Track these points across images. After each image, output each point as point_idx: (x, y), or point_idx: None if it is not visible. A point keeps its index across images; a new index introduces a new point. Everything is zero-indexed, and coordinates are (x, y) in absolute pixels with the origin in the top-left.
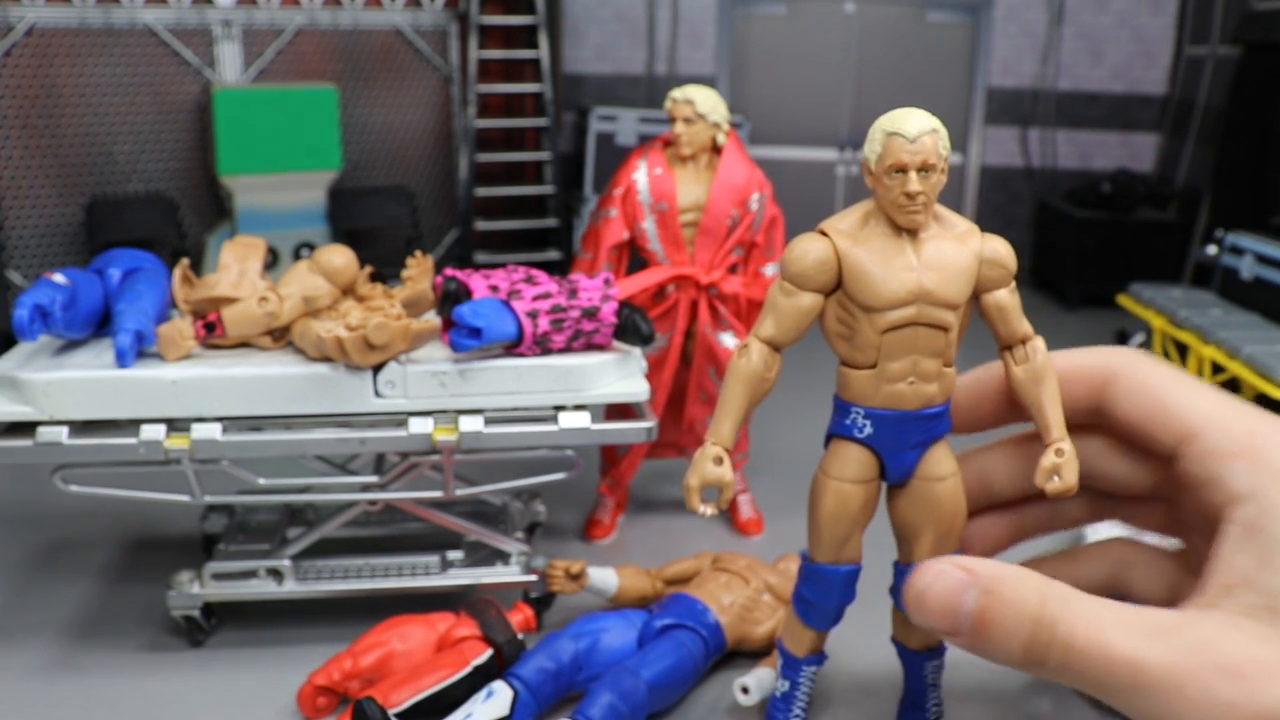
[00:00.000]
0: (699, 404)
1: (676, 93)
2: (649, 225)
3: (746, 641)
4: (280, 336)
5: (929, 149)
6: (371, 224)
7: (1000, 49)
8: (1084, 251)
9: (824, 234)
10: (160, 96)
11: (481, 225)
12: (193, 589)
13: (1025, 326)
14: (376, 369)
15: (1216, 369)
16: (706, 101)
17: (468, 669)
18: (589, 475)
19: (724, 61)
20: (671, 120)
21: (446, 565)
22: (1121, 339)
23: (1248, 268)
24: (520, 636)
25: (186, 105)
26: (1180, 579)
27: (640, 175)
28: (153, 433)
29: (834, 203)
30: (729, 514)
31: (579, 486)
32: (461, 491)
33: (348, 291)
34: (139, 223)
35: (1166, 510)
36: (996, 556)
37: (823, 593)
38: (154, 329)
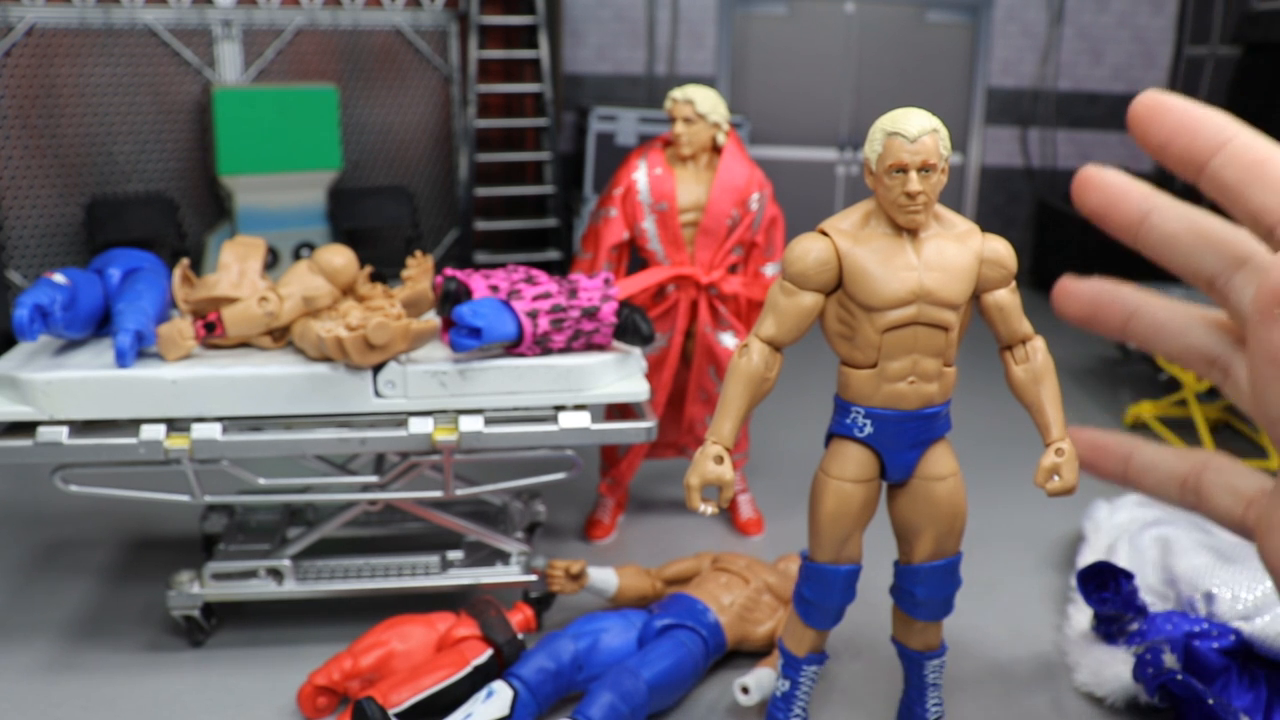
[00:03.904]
0: (699, 404)
1: (676, 93)
2: (649, 225)
3: (746, 641)
4: (280, 336)
5: (929, 149)
6: (371, 224)
7: (1000, 49)
8: (1084, 251)
9: (824, 234)
10: (160, 96)
11: (481, 225)
12: (193, 589)
13: (1025, 326)
14: (376, 369)
15: None
16: (706, 101)
17: (468, 669)
18: (589, 475)
19: (724, 61)
20: (671, 120)
21: (446, 565)
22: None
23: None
24: (520, 636)
25: (186, 105)
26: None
27: (640, 175)
28: (153, 433)
29: (834, 203)
30: (729, 514)
31: (579, 486)
32: (461, 491)
33: (348, 291)
34: (139, 223)
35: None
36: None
37: (823, 592)
38: (154, 329)
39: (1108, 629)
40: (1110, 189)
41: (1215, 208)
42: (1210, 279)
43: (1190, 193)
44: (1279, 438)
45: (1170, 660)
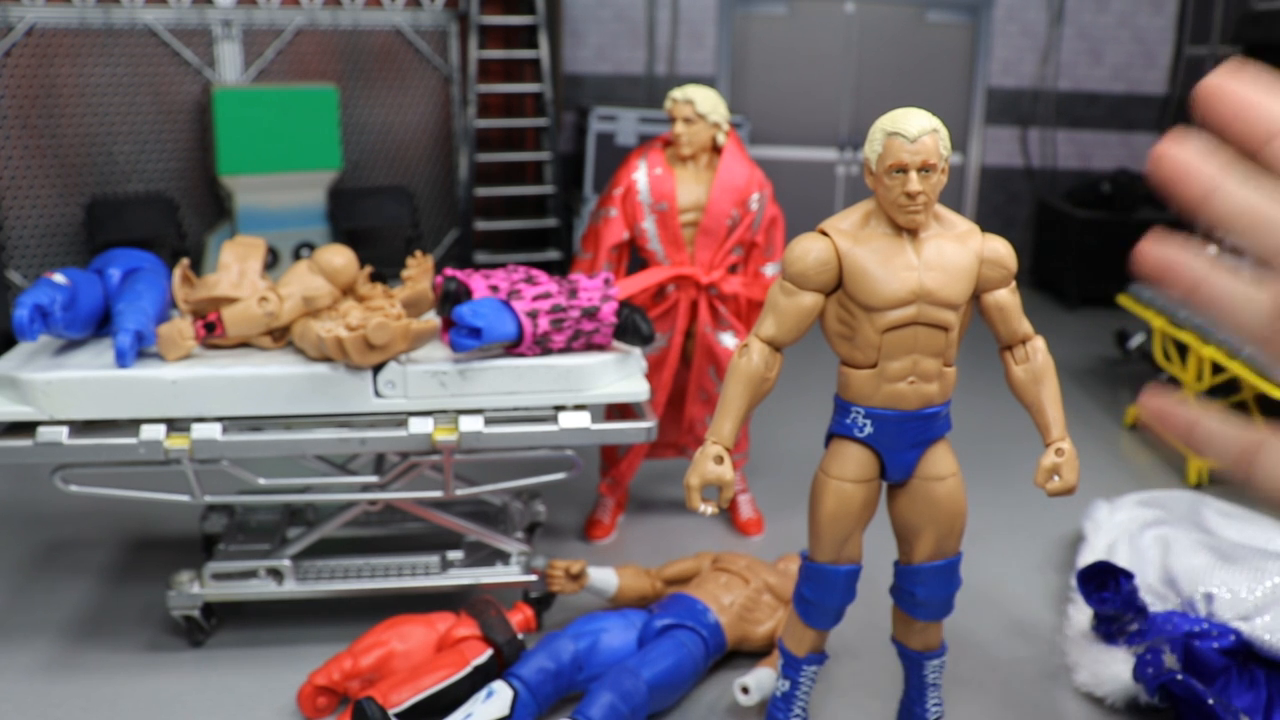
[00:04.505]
0: (699, 404)
1: (676, 93)
2: (649, 225)
3: (747, 641)
4: (280, 336)
5: (929, 149)
6: (371, 224)
7: (1000, 49)
8: (1084, 251)
9: (824, 234)
10: (160, 96)
11: (481, 225)
12: (193, 589)
13: (1026, 326)
14: (376, 369)
15: (1216, 369)
16: (706, 101)
17: (468, 669)
18: (589, 475)
19: (724, 61)
20: (671, 120)
21: (446, 565)
22: (1122, 339)
23: (1248, 268)
24: (520, 636)
25: (186, 105)
26: None
27: (640, 175)
28: (153, 433)
29: (834, 203)
30: (729, 514)
31: (579, 486)
32: (461, 491)
33: (348, 291)
34: (139, 223)
35: None
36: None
37: (823, 592)
38: (154, 329)
39: (1108, 629)
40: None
41: None
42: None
43: None
44: None
45: (1170, 660)
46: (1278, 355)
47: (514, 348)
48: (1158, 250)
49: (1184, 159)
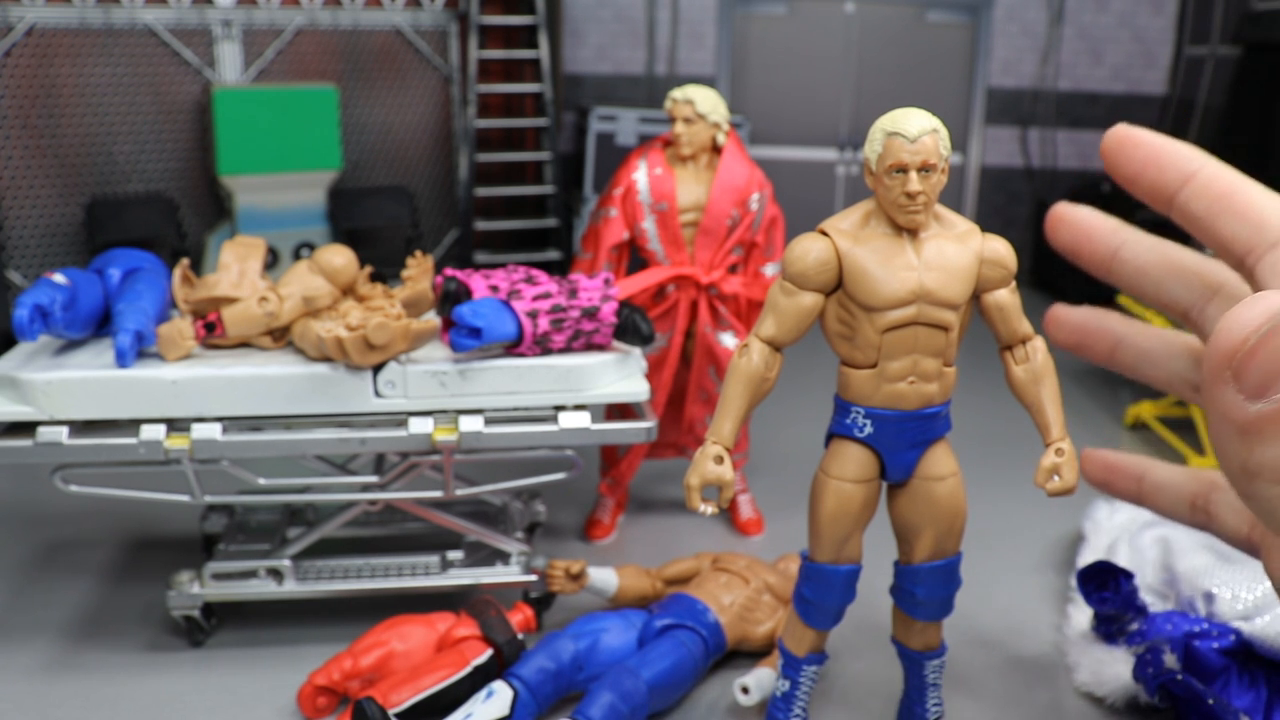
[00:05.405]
0: (699, 404)
1: (676, 93)
2: (649, 225)
3: (746, 641)
4: (280, 336)
5: (929, 149)
6: (371, 224)
7: (1000, 49)
8: None
9: (824, 234)
10: (160, 96)
11: (481, 225)
12: (193, 589)
13: (1025, 326)
14: (376, 369)
15: None
16: (706, 101)
17: (468, 669)
18: (589, 475)
19: (724, 61)
20: (671, 120)
21: (446, 565)
22: None
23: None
24: (520, 636)
25: (186, 105)
26: None
27: (640, 175)
28: (153, 433)
29: (834, 203)
30: (729, 514)
31: (579, 486)
32: (461, 491)
33: (348, 291)
34: (139, 223)
35: None
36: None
37: (823, 592)
38: (154, 329)
39: (1108, 629)
40: (1081, 225)
41: (1186, 239)
42: (1184, 310)
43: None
44: (1240, 491)
45: (1170, 660)
46: (1209, 401)
47: (514, 348)
48: (1069, 315)
49: (1084, 219)
